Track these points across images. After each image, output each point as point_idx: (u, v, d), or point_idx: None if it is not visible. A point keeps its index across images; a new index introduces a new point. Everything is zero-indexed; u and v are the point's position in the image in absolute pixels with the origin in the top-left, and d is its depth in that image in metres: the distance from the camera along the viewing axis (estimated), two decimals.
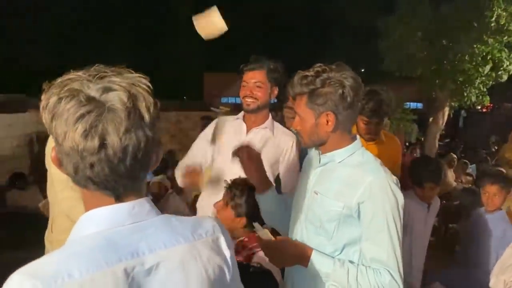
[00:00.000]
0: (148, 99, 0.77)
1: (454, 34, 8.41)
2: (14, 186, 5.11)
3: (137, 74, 0.79)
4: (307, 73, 1.44)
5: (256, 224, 1.51)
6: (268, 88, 2.24)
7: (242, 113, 2.38)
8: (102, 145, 0.72)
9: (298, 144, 2.35)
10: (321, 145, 1.51)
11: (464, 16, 8.28)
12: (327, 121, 1.44)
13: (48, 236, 2.16)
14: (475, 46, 8.26)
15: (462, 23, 8.30)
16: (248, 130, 2.33)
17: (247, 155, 1.63)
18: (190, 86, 23.74)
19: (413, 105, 17.10)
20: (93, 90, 0.73)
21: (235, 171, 1.81)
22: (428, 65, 9.11)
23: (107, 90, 0.74)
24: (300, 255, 1.45)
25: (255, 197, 1.72)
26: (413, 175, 2.75)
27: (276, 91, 2.28)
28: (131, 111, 0.74)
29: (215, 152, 2.36)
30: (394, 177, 1.46)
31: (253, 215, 1.79)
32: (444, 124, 10.20)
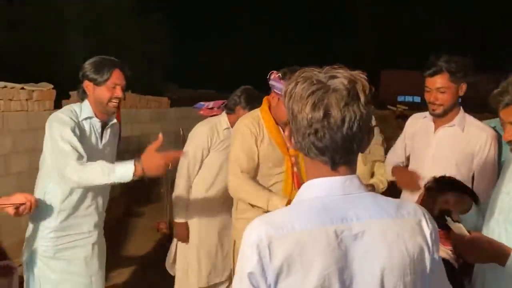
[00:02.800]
0: (365, 84, 0.93)
1: None
2: None
3: (357, 71, 0.96)
4: None
5: (449, 219, 1.47)
6: (454, 89, 2.17)
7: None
8: (326, 115, 0.89)
9: (496, 141, 2.21)
10: None
11: None
12: None
13: (234, 214, 2.54)
14: None
15: None
16: (436, 128, 2.30)
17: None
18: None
19: None
20: (321, 77, 0.92)
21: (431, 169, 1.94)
22: None
23: (332, 77, 0.92)
24: (497, 253, 1.37)
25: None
26: None
27: (465, 87, 2.19)
28: (351, 91, 0.90)
29: (409, 151, 2.47)
30: None
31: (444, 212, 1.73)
32: None
